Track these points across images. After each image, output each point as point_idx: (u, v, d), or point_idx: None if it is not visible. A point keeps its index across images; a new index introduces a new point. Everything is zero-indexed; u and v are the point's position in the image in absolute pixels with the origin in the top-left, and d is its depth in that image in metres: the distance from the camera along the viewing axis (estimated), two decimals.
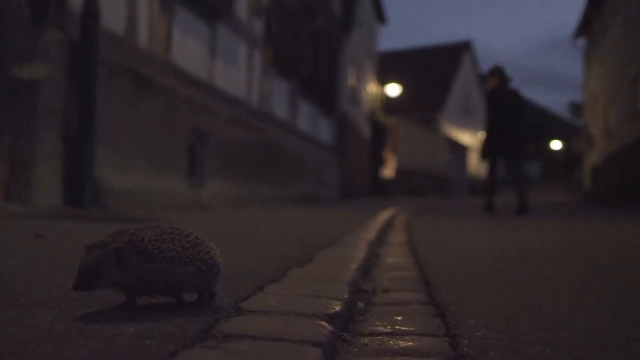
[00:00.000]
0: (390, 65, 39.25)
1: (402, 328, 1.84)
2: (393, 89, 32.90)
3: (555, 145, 68.04)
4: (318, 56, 19.64)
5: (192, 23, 10.65)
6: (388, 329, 1.83)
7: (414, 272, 3.09)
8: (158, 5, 9.40)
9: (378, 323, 1.92)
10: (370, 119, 30.27)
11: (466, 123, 51.30)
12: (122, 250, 1.62)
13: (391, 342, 1.67)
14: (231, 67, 12.53)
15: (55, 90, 7.01)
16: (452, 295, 2.36)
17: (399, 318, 1.98)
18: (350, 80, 26.24)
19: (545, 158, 73.63)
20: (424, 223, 7.97)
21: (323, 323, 1.64)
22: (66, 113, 7.13)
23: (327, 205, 15.26)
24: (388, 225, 6.92)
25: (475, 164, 45.86)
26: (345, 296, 2.09)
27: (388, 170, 35.17)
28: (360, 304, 2.26)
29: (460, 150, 48.06)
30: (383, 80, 32.95)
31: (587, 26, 27.23)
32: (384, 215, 8.84)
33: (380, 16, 32.55)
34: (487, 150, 10.74)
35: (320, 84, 19.95)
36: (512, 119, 10.45)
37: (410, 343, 1.65)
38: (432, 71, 49.19)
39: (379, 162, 31.45)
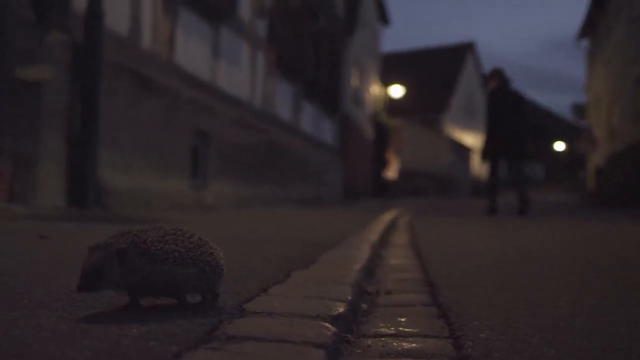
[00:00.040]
0: (393, 67, 39.28)
1: (406, 329, 1.83)
2: (396, 90, 32.90)
3: (559, 146, 68.00)
4: (321, 57, 19.65)
5: (195, 24, 10.66)
6: (392, 331, 1.83)
7: (417, 274, 3.09)
8: (161, 7, 9.41)
9: (382, 324, 1.92)
10: (373, 120, 30.27)
11: (469, 124, 51.28)
12: (125, 252, 1.62)
13: (395, 343, 1.67)
14: (234, 68, 12.54)
15: (58, 91, 7.02)
16: (455, 296, 2.35)
17: (403, 319, 1.98)
18: (354, 81, 26.24)
19: (549, 159, 73.64)
20: (427, 224, 7.96)
21: (327, 324, 1.64)
22: (69, 114, 7.14)
23: (330, 207, 15.26)
24: (391, 227, 6.91)
25: (478, 165, 45.82)
26: (349, 298, 2.08)
27: (391, 172, 35.16)
28: (364, 306, 2.26)
29: (463, 151, 48.06)
30: (386, 82, 32.95)
31: (590, 27, 27.21)
32: (387, 216, 8.84)
33: (383, 17, 32.56)
34: (488, 151, 10.83)
35: (323, 85, 19.96)
36: (513, 119, 10.59)
37: (413, 344, 1.65)
38: (435, 72, 49.20)
39: (382, 163, 31.45)
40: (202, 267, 1.71)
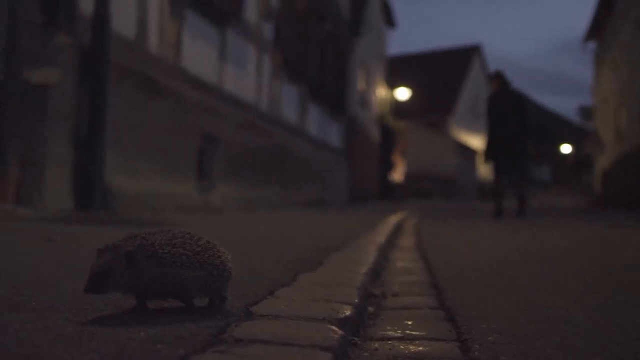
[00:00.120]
0: (399, 69, 39.27)
1: (413, 332, 1.83)
2: (402, 93, 32.89)
3: (565, 148, 67.86)
4: (327, 60, 19.66)
5: (201, 27, 10.68)
6: (398, 334, 1.82)
7: (423, 276, 3.09)
8: (168, 10, 9.44)
9: (388, 327, 1.92)
10: (379, 122, 30.26)
11: (475, 126, 51.19)
12: (133, 254, 1.63)
13: (402, 346, 1.67)
14: (240, 71, 12.56)
15: (65, 94, 7.04)
16: (461, 299, 2.35)
17: (410, 322, 1.98)
18: (360, 84, 26.24)
19: (555, 162, 73.51)
20: (434, 227, 7.95)
21: (333, 327, 1.64)
22: (76, 117, 7.16)
23: (335, 209, 15.25)
24: (398, 229, 6.90)
25: (484, 168, 45.77)
26: (356, 300, 2.08)
27: (397, 174, 35.13)
28: (371, 308, 2.26)
29: (469, 153, 47.98)
30: (392, 84, 32.96)
31: (597, 29, 27.13)
32: (394, 218, 8.83)
33: (389, 20, 32.56)
34: (490, 152, 10.95)
35: (329, 88, 19.97)
36: (514, 120, 10.74)
37: (420, 348, 1.65)
38: (441, 75, 49.17)
39: (388, 165, 31.43)
40: (210, 270, 1.71)
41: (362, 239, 4.92)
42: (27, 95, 6.73)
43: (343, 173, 22.55)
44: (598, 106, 29.24)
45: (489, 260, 3.78)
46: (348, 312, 1.85)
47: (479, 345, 1.63)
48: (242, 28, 12.39)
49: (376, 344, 1.71)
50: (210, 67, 11.15)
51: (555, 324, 1.92)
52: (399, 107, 35.38)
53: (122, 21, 8.11)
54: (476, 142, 50.41)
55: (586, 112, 33.75)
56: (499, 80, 11.04)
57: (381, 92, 31.17)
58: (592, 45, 29.69)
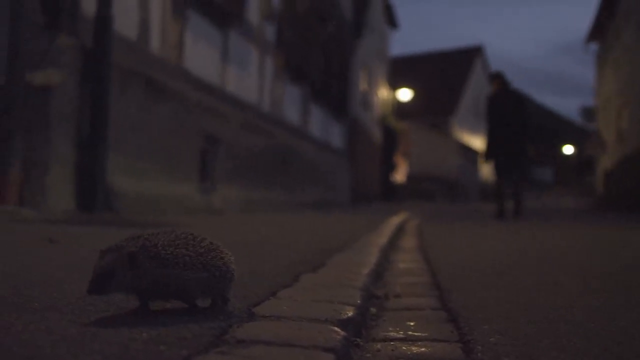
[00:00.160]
0: (401, 70, 39.26)
1: (415, 334, 1.83)
2: (404, 94, 32.90)
3: (568, 149, 67.82)
4: (329, 61, 19.66)
5: (204, 28, 10.69)
6: (401, 335, 1.82)
7: (426, 278, 3.09)
8: (170, 11, 9.45)
9: (391, 328, 1.92)
10: (381, 123, 30.26)
11: (477, 127, 51.13)
12: (136, 255, 1.63)
13: (404, 347, 1.67)
14: (243, 72, 12.56)
15: (68, 95, 7.05)
16: (463, 300, 2.35)
17: (412, 323, 1.98)
18: (362, 85, 26.25)
19: (557, 162, 73.48)
20: (436, 228, 7.95)
21: (336, 328, 1.64)
22: (79, 118, 7.17)
23: (338, 210, 15.25)
24: (400, 230, 6.91)
25: (487, 169, 45.73)
26: (358, 301, 2.08)
27: (399, 175, 35.12)
28: (373, 309, 2.26)
29: (471, 154, 47.95)
30: (394, 85, 32.96)
31: (599, 30, 27.11)
32: (396, 220, 8.83)
33: (391, 21, 32.57)
34: (490, 152, 11.00)
35: (332, 89, 19.97)
36: (514, 120, 10.82)
37: (423, 349, 1.65)
38: (443, 76, 49.15)
39: (390, 166, 31.43)
40: (213, 271, 1.71)
41: (364, 240, 4.92)
42: (30, 97, 6.74)
43: (345, 174, 22.54)
44: (600, 107, 29.22)
45: (491, 261, 3.78)
46: (350, 313, 1.85)
47: (481, 347, 1.63)
48: (244, 29, 12.40)
49: (378, 345, 1.71)
50: (213, 68, 11.16)
51: (556, 325, 1.92)
52: (401, 108, 35.39)
53: (125, 22, 8.12)
54: (478, 143, 50.35)
55: (588, 112, 33.72)
56: (499, 81, 11.13)
57: (383, 93, 31.18)
58: (594, 46, 29.68)
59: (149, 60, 8.93)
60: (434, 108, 45.89)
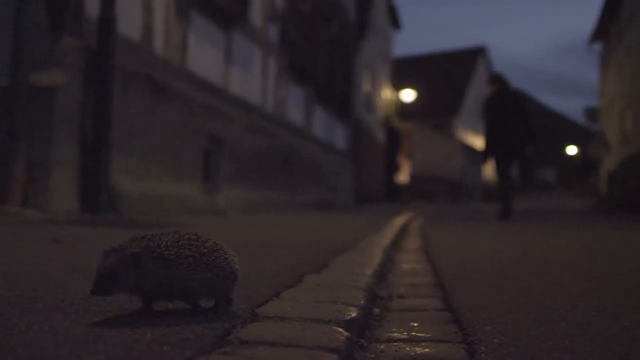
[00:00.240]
0: (404, 71, 39.27)
1: (419, 334, 1.83)
2: (407, 94, 32.89)
3: (571, 150, 67.74)
4: (333, 62, 19.66)
5: (207, 29, 10.70)
6: (404, 335, 1.82)
7: (429, 278, 3.08)
8: (174, 12, 9.45)
9: (394, 329, 1.91)
10: (385, 124, 30.25)
11: (481, 128, 51.02)
12: (139, 256, 1.63)
13: (408, 348, 1.67)
14: (246, 73, 12.57)
15: (72, 96, 7.06)
16: (467, 301, 2.35)
17: (415, 324, 1.98)
18: (365, 86, 26.24)
19: (561, 163, 73.40)
20: (439, 229, 7.95)
21: (339, 329, 1.64)
22: (83, 119, 7.18)
23: (341, 211, 15.25)
24: (403, 231, 6.90)
25: (490, 169, 45.67)
26: (362, 302, 2.08)
27: (402, 176, 35.10)
28: (377, 310, 2.26)
29: (475, 155, 47.85)
30: (398, 86, 32.94)
31: (602, 31, 27.08)
32: (399, 221, 8.82)
33: (395, 22, 32.56)
34: (489, 152, 11.04)
35: (335, 90, 19.96)
36: (513, 120, 10.82)
37: (427, 349, 1.65)
38: (446, 76, 49.13)
39: (394, 167, 31.42)
40: (216, 272, 1.71)
41: (367, 241, 4.92)
42: (34, 98, 6.75)
43: (349, 175, 22.54)
44: (604, 108, 29.17)
45: (493, 262, 3.78)
46: (354, 314, 1.85)
47: (485, 347, 1.62)
48: (247, 30, 12.41)
49: (382, 346, 1.71)
50: (216, 69, 11.17)
51: (559, 325, 1.92)
52: (404, 109, 35.37)
53: (128, 23, 8.13)
54: (482, 143, 50.32)
55: (592, 113, 33.65)
56: (498, 82, 11.17)
57: (386, 93, 31.17)
58: (597, 46, 29.64)
59: (153, 61, 8.95)
60: (437, 109, 45.87)
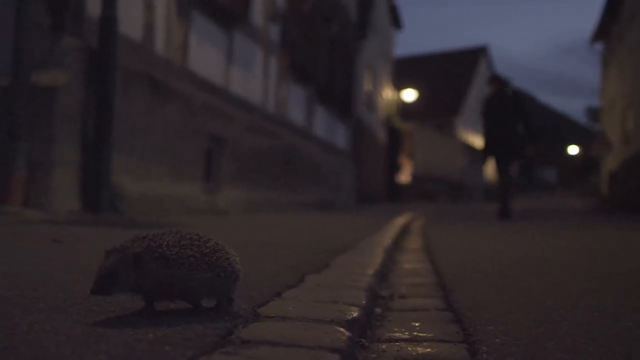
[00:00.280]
0: (406, 71, 39.24)
1: (420, 334, 1.83)
2: (409, 94, 32.87)
3: (572, 150, 67.70)
4: (334, 62, 19.65)
5: (208, 29, 10.70)
6: (406, 335, 1.82)
7: (430, 278, 3.08)
8: (175, 12, 9.46)
9: (396, 329, 1.91)
10: (386, 124, 30.24)
11: (482, 128, 51.03)
12: (140, 255, 1.63)
13: (409, 348, 1.67)
14: (247, 73, 12.57)
15: (73, 96, 7.06)
16: (469, 301, 2.35)
17: (417, 324, 1.98)
18: (366, 85, 26.24)
19: (562, 163, 73.37)
20: (440, 229, 7.94)
21: (341, 329, 1.64)
22: (84, 119, 7.18)
23: (342, 211, 15.25)
24: (404, 231, 6.90)
25: (491, 169, 45.64)
26: (363, 302, 2.08)
27: (404, 176, 35.10)
28: (378, 310, 2.26)
29: (476, 155, 47.80)
30: (399, 86, 32.93)
31: (604, 31, 27.07)
32: (400, 221, 8.82)
33: (396, 22, 32.54)
34: (488, 151, 11.07)
35: (336, 90, 19.96)
36: (513, 120, 10.87)
37: (428, 349, 1.65)
38: (448, 76, 49.07)
39: (395, 167, 31.41)
40: (218, 272, 1.70)
41: (368, 240, 4.92)
42: (35, 98, 6.75)
43: (350, 175, 22.53)
44: (605, 107, 29.15)
45: (494, 262, 3.78)
46: (355, 314, 1.85)
47: (486, 347, 1.62)
48: (249, 30, 12.41)
49: (384, 346, 1.71)
50: (217, 69, 11.17)
51: (560, 325, 1.92)
52: (405, 109, 35.35)
53: (129, 23, 8.13)
54: (481, 143, 50.26)
55: (594, 113, 33.63)
56: (497, 83, 11.23)
57: (388, 93, 31.16)
58: (599, 46, 29.63)
59: (154, 61, 8.95)
60: (439, 109, 45.82)
